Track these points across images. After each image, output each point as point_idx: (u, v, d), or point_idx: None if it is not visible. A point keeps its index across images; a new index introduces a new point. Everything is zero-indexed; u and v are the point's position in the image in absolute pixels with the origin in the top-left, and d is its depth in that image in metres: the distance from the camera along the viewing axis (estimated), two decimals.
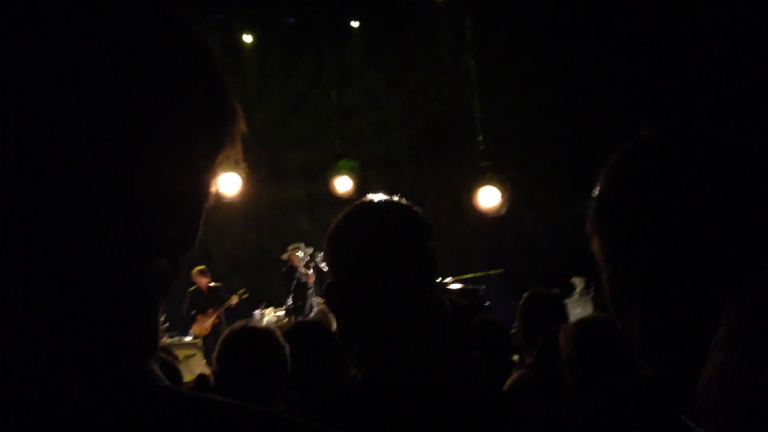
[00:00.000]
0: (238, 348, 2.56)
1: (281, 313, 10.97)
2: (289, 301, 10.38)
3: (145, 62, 0.61)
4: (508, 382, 3.25)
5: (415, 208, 1.50)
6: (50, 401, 0.58)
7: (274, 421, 0.63)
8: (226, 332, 2.72)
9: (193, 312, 10.71)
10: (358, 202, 1.51)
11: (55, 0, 0.59)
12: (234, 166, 0.71)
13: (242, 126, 0.71)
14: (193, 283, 10.86)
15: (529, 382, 3.00)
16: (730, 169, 0.94)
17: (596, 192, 1.05)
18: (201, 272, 10.74)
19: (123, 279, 0.62)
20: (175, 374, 3.47)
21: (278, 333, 2.67)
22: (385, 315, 1.40)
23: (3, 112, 0.56)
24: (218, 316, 10.69)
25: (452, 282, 9.71)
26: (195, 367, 8.40)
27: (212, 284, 10.96)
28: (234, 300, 10.82)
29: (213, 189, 0.69)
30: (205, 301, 10.73)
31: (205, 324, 10.61)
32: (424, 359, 1.43)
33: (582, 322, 2.24)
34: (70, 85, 0.57)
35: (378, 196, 1.50)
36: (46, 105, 0.57)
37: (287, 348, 2.61)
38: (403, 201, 1.51)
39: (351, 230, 1.45)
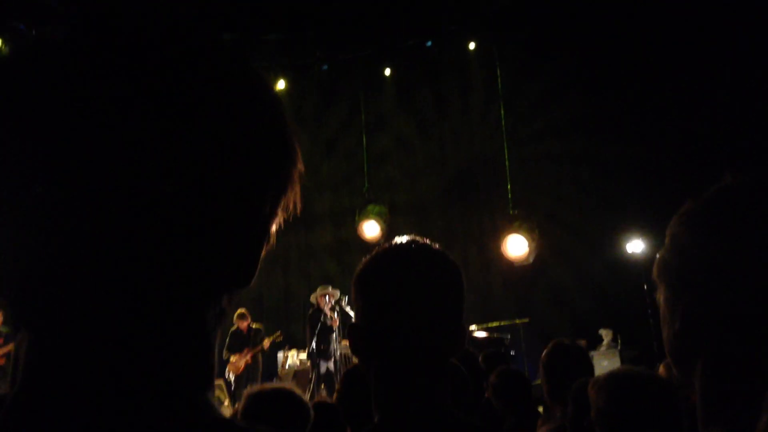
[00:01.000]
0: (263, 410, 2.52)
1: (304, 356, 10.94)
2: (313, 345, 10.34)
3: (227, 110, 0.65)
4: None
5: (445, 251, 1.46)
6: None
7: None
8: (242, 400, 2.67)
9: (226, 356, 10.83)
10: (387, 243, 1.47)
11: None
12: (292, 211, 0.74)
13: (301, 167, 0.73)
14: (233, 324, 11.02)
15: None
16: None
17: (668, 239, 1.01)
18: (240, 316, 10.91)
19: (192, 315, 0.65)
20: None
21: (298, 392, 2.63)
22: (410, 360, 1.37)
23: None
24: (252, 357, 10.76)
25: (477, 330, 9.64)
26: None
27: (254, 326, 11.07)
28: (266, 343, 10.88)
29: (273, 230, 0.72)
30: (243, 342, 10.85)
31: (239, 363, 10.69)
32: (448, 406, 1.40)
33: (615, 375, 2.19)
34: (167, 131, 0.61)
35: (407, 238, 1.47)
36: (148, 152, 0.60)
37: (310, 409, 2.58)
38: (433, 244, 1.47)
39: (379, 272, 1.42)
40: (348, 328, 1.45)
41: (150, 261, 0.61)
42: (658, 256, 1.02)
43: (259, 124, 0.67)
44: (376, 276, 1.42)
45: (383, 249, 1.46)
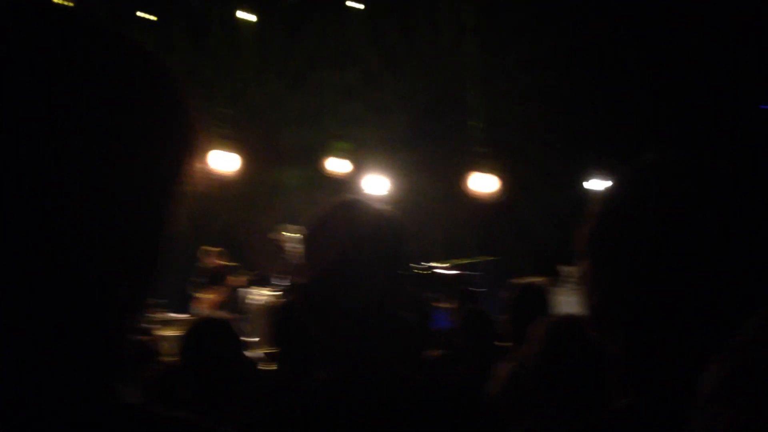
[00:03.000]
0: (196, 341, 2.56)
1: (277, 292, 11.01)
2: (275, 281, 10.42)
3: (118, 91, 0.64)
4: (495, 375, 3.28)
5: (386, 209, 1.53)
6: (17, 420, 0.59)
7: None
8: (189, 324, 2.72)
9: (194, 293, 10.85)
10: (332, 203, 1.54)
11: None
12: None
13: (199, 150, 0.71)
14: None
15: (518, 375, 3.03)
16: (730, 204, 0.94)
17: (591, 214, 1.03)
18: (219, 254, 10.89)
19: (92, 300, 0.64)
20: (150, 354, 3.58)
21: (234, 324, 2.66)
22: (351, 316, 1.43)
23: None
24: (222, 297, 10.81)
25: (447, 267, 9.76)
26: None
27: (228, 264, 11.08)
28: (242, 281, 10.92)
29: (176, 216, 0.70)
30: (215, 280, 10.87)
31: (211, 300, 10.72)
32: (389, 357, 1.46)
33: (551, 320, 2.27)
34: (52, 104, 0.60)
35: (348, 198, 1.56)
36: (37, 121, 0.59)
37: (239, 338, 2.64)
38: (373, 202, 1.54)
39: (319, 232, 1.49)
40: (292, 288, 1.52)
41: (44, 253, 0.60)
42: (580, 229, 1.05)
43: (144, 102, 0.66)
44: (315, 235, 1.49)
45: (325, 209, 1.52)
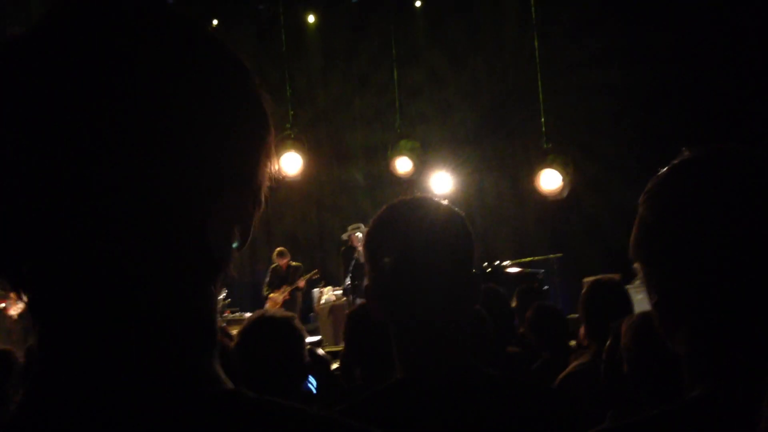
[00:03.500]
0: (254, 339, 2.50)
1: (339, 292, 11.10)
2: (347, 281, 10.47)
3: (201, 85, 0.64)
4: (567, 370, 3.22)
5: (451, 205, 1.50)
6: (117, 410, 0.59)
7: (340, 428, 0.64)
8: (244, 323, 2.66)
9: (266, 292, 11.07)
10: (391, 202, 1.50)
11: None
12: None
13: (273, 132, 0.72)
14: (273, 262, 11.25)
15: (591, 372, 2.97)
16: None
17: (638, 218, 1.05)
18: (279, 254, 11.16)
19: (192, 287, 0.65)
20: (224, 352, 3.53)
21: (297, 321, 2.60)
22: (424, 318, 1.39)
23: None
24: (290, 293, 10.97)
25: (511, 265, 9.66)
26: None
27: (293, 263, 11.27)
28: (301, 282, 11.10)
29: (262, 197, 0.71)
30: (282, 280, 11.08)
31: (277, 299, 10.90)
32: (467, 357, 1.43)
33: (644, 315, 2.22)
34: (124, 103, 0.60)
35: (410, 197, 1.51)
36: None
37: (305, 337, 2.59)
38: (437, 198, 1.51)
39: (386, 232, 1.45)
40: (364, 290, 1.49)
41: (147, 243, 0.61)
42: (631, 234, 1.07)
43: (229, 99, 0.66)
44: (382, 235, 1.45)
45: (388, 207, 1.48)
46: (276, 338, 2.47)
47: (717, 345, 0.97)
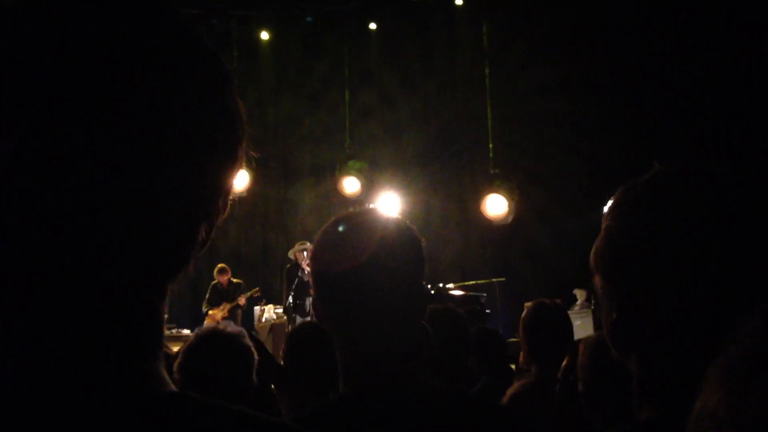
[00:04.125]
0: (201, 354, 2.42)
1: (280, 310, 11.00)
2: (289, 300, 10.38)
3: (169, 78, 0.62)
4: (510, 392, 3.24)
5: (402, 218, 1.47)
6: (57, 406, 0.57)
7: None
8: (191, 338, 2.57)
9: (206, 309, 10.92)
10: (337, 215, 1.48)
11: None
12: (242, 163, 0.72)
13: (246, 144, 0.71)
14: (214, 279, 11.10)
15: (533, 394, 3.00)
16: (741, 215, 0.93)
17: (602, 230, 1.03)
18: (220, 271, 11.04)
19: (138, 295, 0.63)
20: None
21: (246, 338, 2.53)
22: (370, 331, 1.37)
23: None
24: (229, 311, 10.84)
25: (454, 288, 9.71)
26: None
27: (234, 280, 11.15)
28: (242, 300, 10.99)
29: (228, 202, 0.70)
30: (222, 297, 10.95)
31: (216, 316, 10.76)
32: (415, 372, 1.41)
33: (598, 337, 2.25)
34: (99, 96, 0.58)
35: (361, 209, 1.49)
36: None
37: (254, 353, 2.52)
38: (389, 212, 1.49)
39: (332, 244, 1.42)
40: (312, 302, 1.47)
41: (100, 244, 0.59)
42: (594, 245, 1.04)
43: (206, 102, 0.65)
44: (328, 248, 1.43)
45: (334, 221, 1.46)
46: (225, 354, 2.41)
47: (668, 367, 0.95)
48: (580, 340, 2.65)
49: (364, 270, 1.37)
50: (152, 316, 0.64)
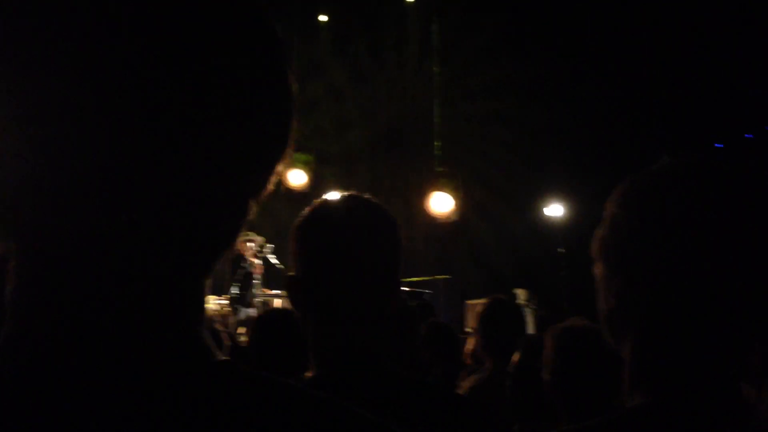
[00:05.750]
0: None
1: (224, 301, 10.88)
2: (233, 290, 10.28)
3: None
4: (468, 384, 3.28)
5: (384, 206, 1.48)
6: (111, 376, 0.57)
7: (332, 406, 0.63)
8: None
9: None
10: (326, 196, 1.49)
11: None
12: None
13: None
14: None
15: (490, 385, 3.04)
16: (743, 207, 0.95)
17: (607, 217, 1.04)
18: None
19: (187, 271, 0.63)
20: None
21: (215, 323, 2.61)
22: (345, 313, 1.39)
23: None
24: None
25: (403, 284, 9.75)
26: None
27: None
28: None
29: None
30: None
31: None
32: (384, 358, 1.42)
33: (565, 327, 2.29)
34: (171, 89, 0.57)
35: (347, 193, 1.49)
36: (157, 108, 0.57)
37: (225, 337, 2.56)
38: (372, 199, 1.49)
39: (319, 224, 1.43)
40: (287, 279, 1.45)
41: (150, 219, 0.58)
42: (596, 234, 1.05)
43: (264, 74, 0.64)
44: (315, 228, 1.43)
45: (323, 201, 1.47)
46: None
47: (663, 354, 0.97)
48: (532, 336, 2.69)
49: (347, 252, 1.39)
50: (201, 289, 0.65)
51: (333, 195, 1.49)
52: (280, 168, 0.69)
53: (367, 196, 1.50)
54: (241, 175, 0.63)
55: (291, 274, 1.45)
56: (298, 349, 2.63)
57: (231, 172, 0.62)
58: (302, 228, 1.44)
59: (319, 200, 1.49)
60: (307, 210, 1.46)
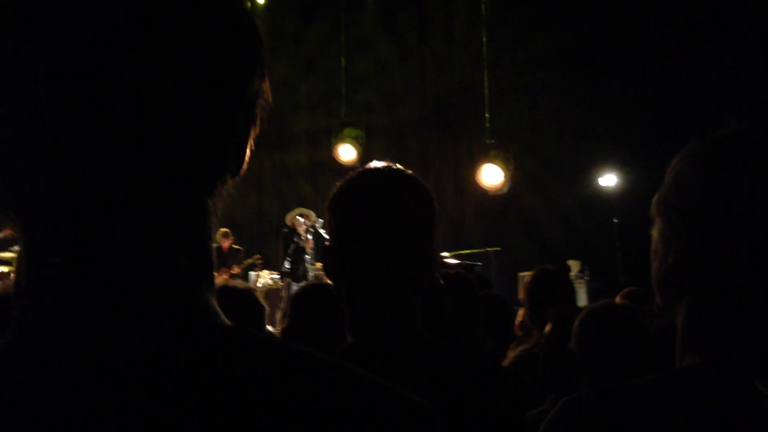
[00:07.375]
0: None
1: (276, 276, 11.03)
2: (286, 265, 10.42)
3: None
4: (512, 355, 3.29)
5: (419, 178, 1.50)
6: (125, 341, 0.57)
7: (345, 371, 0.64)
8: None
9: None
10: (362, 168, 1.50)
11: None
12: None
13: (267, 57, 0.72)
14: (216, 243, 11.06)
15: (533, 358, 3.04)
16: None
17: (670, 177, 1.03)
18: (224, 234, 10.95)
19: (189, 206, 0.64)
20: None
21: (257, 293, 2.59)
22: (380, 282, 1.40)
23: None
24: (228, 278, 10.85)
25: (449, 257, 9.76)
26: None
27: (235, 246, 11.11)
28: (236, 269, 10.95)
29: (257, 113, 0.72)
30: (222, 261, 10.92)
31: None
32: (420, 329, 1.44)
33: (599, 312, 2.28)
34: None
35: (382, 164, 1.50)
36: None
37: (265, 308, 2.55)
38: (407, 170, 1.50)
39: (353, 195, 1.44)
40: (321, 250, 1.49)
41: (145, 151, 0.59)
42: (656, 194, 1.05)
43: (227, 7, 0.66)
44: (349, 198, 1.44)
45: (358, 172, 1.48)
46: (238, 308, 2.46)
47: (718, 315, 0.97)
48: (560, 309, 2.67)
49: (384, 223, 1.41)
50: (200, 235, 0.65)
51: (369, 166, 1.50)
52: (262, 102, 0.71)
53: (400, 166, 1.51)
54: (209, 99, 0.63)
55: (327, 244, 1.48)
56: (337, 321, 2.66)
57: (200, 95, 0.62)
58: (336, 199, 1.46)
59: (353, 171, 1.50)
60: (341, 181, 1.49)
